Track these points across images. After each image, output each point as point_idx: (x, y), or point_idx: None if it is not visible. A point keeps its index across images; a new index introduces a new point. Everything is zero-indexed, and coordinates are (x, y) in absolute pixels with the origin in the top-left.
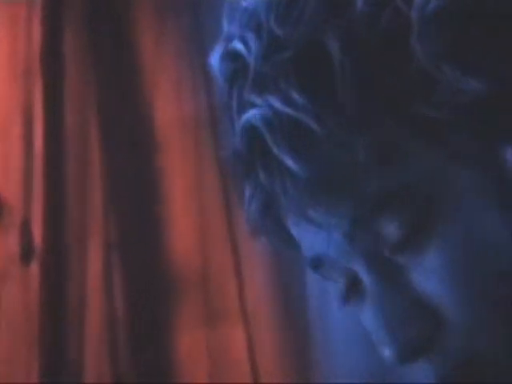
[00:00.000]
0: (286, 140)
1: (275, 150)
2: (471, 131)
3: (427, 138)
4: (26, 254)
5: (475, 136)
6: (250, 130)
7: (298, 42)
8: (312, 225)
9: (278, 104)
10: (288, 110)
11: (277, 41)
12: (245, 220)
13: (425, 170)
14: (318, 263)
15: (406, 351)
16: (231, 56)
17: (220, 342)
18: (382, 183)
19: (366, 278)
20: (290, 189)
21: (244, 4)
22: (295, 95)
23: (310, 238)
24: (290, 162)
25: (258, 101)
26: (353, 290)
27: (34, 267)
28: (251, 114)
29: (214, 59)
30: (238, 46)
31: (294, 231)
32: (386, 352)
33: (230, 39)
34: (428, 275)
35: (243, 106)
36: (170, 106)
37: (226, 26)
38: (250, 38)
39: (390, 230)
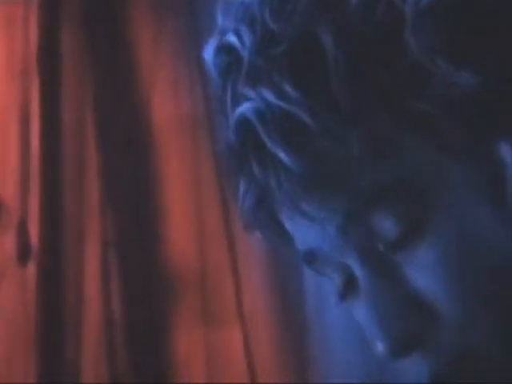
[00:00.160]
0: (279, 133)
1: (268, 144)
2: (465, 126)
3: (421, 131)
4: (23, 254)
5: (469, 130)
6: (244, 123)
7: (291, 36)
8: (305, 219)
9: (271, 97)
10: (281, 104)
11: (271, 34)
12: (239, 215)
13: (418, 165)
14: (311, 258)
15: (399, 346)
16: (225, 49)
17: (217, 342)
18: (375, 177)
19: (359, 273)
20: (284, 182)
21: None
22: (288, 88)
23: (304, 233)
24: (283, 156)
25: (252, 94)
26: (348, 286)
27: (31, 267)
28: (244, 107)
29: (208, 53)
30: (232, 39)
31: (288, 225)
32: (379, 347)
33: (224, 33)
34: (421, 270)
35: (237, 100)
36: (166, 105)
37: (220, 20)
38: (244, 31)
39: (384, 224)
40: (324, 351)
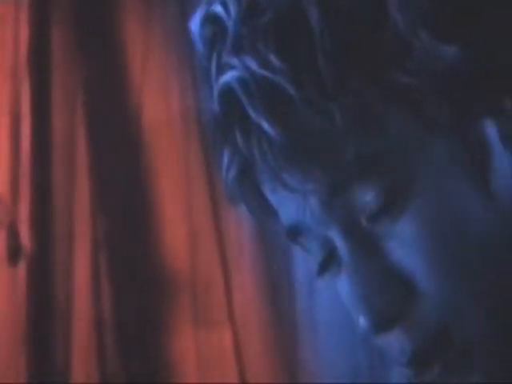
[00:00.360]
0: (263, 103)
1: (252, 113)
2: (449, 101)
3: (403, 105)
4: (14, 255)
5: (453, 106)
6: (228, 92)
7: (277, 7)
8: (288, 190)
9: (255, 66)
10: (265, 73)
11: (256, 5)
12: (223, 187)
13: (401, 138)
14: (295, 232)
15: (381, 320)
16: (211, 19)
17: (208, 342)
18: (358, 150)
19: (341, 246)
20: (267, 153)
21: None
22: (273, 58)
23: (288, 206)
24: (266, 126)
25: (236, 62)
26: (331, 260)
27: (22, 267)
28: (229, 76)
29: (194, 23)
30: (218, 9)
31: (272, 198)
32: (361, 321)
33: (210, 3)
34: (402, 245)
35: (221, 69)
36: (157, 106)
37: None
38: (230, 1)
39: (366, 197)
40: (314, 352)
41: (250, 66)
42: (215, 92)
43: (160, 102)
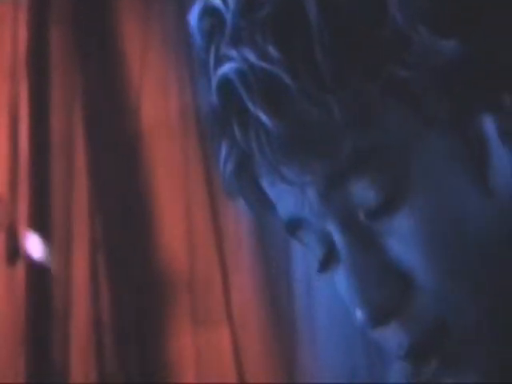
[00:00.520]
0: (261, 94)
1: (250, 105)
2: (448, 96)
3: (402, 99)
4: (12, 255)
5: (452, 102)
6: (226, 84)
7: (275, 0)
8: (286, 184)
9: (253, 58)
10: (263, 64)
11: None
12: (221, 181)
13: (400, 133)
14: (294, 226)
15: (378, 314)
16: (209, 12)
17: (206, 342)
18: (355, 143)
19: (339, 240)
20: (265, 146)
21: None
22: (271, 50)
23: (286, 199)
24: (263, 118)
25: (234, 54)
26: (330, 255)
27: (20, 268)
28: (227, 67)
29: (193, 16)
30: (216, 1)
31: (270, 192)
32: (358, 314)
33: None
34: (399, 239)
35: (220, 61)
36: (155, 106)
37: None
38: None
39: (363, 191)
40: (313, 352)
41: (249, 58)
42: (213, 84)
43: (158, 101)
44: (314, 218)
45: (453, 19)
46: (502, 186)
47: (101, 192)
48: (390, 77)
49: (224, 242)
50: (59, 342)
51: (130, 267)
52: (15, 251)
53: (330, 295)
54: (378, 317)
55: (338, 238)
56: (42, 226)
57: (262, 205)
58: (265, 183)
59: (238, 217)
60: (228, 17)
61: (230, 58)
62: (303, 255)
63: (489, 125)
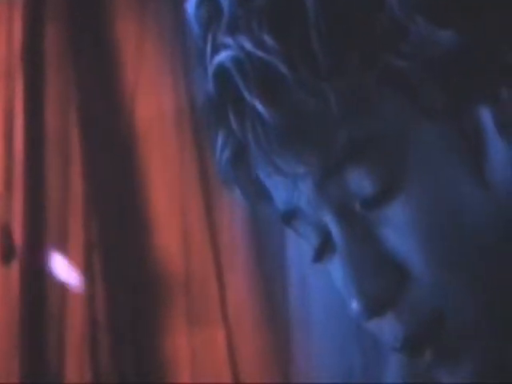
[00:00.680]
0: (257, 83)
1: (246, 94)
2: (445, 87)
3: (398, 89)
4: (7, 255)
5: (449, 92)
6: (222, 72)
7: None
8: (281, 175)
9: (249, 46)
10: (259, 53)
11: None
12: (216, 170)
13: (396, 123)
14: (289, 216)
15: (373, 305)
16: (206, 1)
17: (201, 342)
18: (351, 133)
19: (335, 231)
20: (261, 136)
21: None
22: (267, 38)
23: (282, 190)
24: (259, 107)
25: (231, 42)
26: (325, 245)
27: (15, 267)
28: (223, 55)
29: (190, 4)
30: None
31: (266, 182)
32: (354, 305)
33: None
34: (395, 230)
35: (216, 49)
36: (150, 104)
37: None
38: None
39: (359, 181)
40: (308, 351)
41: (245, 46)
42: (210, 72)
43: (153, 98)
44: (310, 209)
45: (450, 10)
46: (498, 178)
47: (96, 191)
48: (387, 66)
49: (219, 242)
50: (54, 342)
51: (125, 267)
52: (10, 251)
53: (326, 294)
54: (374, 308)
55: (333, 228)
56: (36, 226)
57: (257, 194)
58: (261, 173)
59: (233, 216)
60: (225, 5)
61: (226, 47)
62: (298, 254)
63: (486, 116)
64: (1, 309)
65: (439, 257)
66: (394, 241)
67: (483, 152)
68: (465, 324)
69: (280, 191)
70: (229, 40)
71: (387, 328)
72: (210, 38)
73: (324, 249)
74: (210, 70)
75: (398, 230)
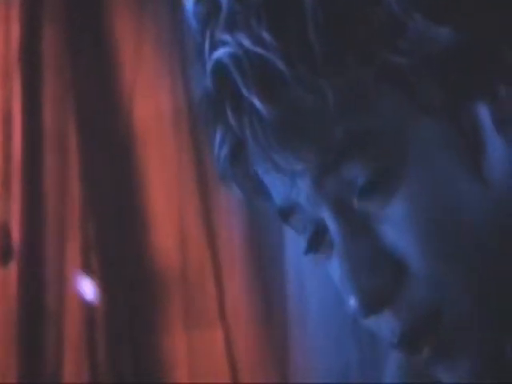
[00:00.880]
0: (255, 80)
1: (244, 90)
2: (443, 84)
3: (396, 86)
4: (5, 255)
5: (446, 89)
6: (220, 68)
7: None
8: (279, 171)
9: (247, 42)
10: (257, 49)
11: None
12: (215, 166)
13: (394, 119)
14: (287, 212)
15: (371, 301)
16: None
17: (199, 342)
18: (349, 129)
19: (332, 227)
20: (258, 132)
21: None
22: (265, 35)
23: (280, 186)
24: (257, 103)
25: (229, 39)
26: (323, 241)
27: (13, 268)
28: (221, 52)
29: (189, 1)
30: None
31: (265, 179)
32: (351, 301)
33: None
34: (393, 226)
35: (215, 46)
36: (148, 105)
37: None
38: None
39: (357, 177)
40: (305, 351)
41: (243, 43)
42: (208, 69)
43: (151, 99)
44: (308, 205)
45: (447, 6)
46: (497, 174)
47: (93, 191)
48: (385, 63)
49: (216, 242)
50: (52, 341)
51: (122, 267)
52: (8, 251)
53: (323, 293)
54: (372, 304)
55: (331, 224)
56: (34, 226)
57: (255, 191)
58: (259, 169)
59: (230, 216)
60: (223, 1)
61: (224, 43)
62: (296, 253)
63: (484, 113)
64: None
65: (437, 253)
66: (392, 237)
67: (481, 149)
68: (462, 319)
69: (278, 187)
70: (227, 37)
71: (385, 324)
72: (208, 34)
73: (315, 240)
74: (209, 66)
75: (396, 226)
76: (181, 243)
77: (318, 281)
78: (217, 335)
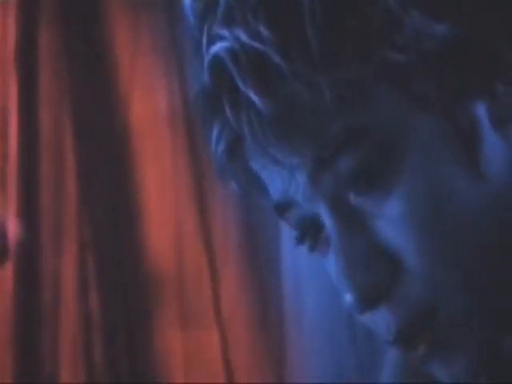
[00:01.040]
0: (252, 74)
1: (241, 85)
2: (440, 81)
3: (393, 82)
4: (1, 255)
5: (443, 86)
6: (217, 63)
7: None
8: (276, 166)
9: (244, 37)
10: (254, 44)
11: None
12: (212, 162)
13: (390, 115)
14: (284, 207)
15: (367, 298)
16: None
17: (195, 343)
18: (345, 125)
19: (328, 223)
20: (256, 127)
21: None
22: (262, 29)
23: (276, 181)
24: (254, 98)
25: (226, 34)
26: (319, 237)
27: (9, 267)
28: (218, 47)
29: None
30: None
31: (261, 174)
32: (347, 298)
33: None
34: (389, 222)
35: (212, 41)
36: (144, 105)
37: None
38: None
39: (353, 174)
40: (301, 352)
41: (240, 38)
42: (205, 63)
43: (147, 100)
44: (304, 201)
45: (445, 3)
46: (494, 172)
47: (89, 191)
48: (382, 59)
49: (212, 243)
50: (48, 342)
51: (118, 267)
52: (3, 251)
53: (319, 294)
54: (367, 300)
55: (327, 220)
56: (30, 226)
57: (252, 186)
58: (256, 164)
59: (226, 216)
60: None
61: (222, 38)
62: (293, 254)
63: (481, 111)
64: None
65: (433, 250)
66: (388, 233)
67: (478, 146)
68: (458, 316)
69: (276, 182)
70: (224, 31)
71: (381, 321)
72: (205, 29)
73: (311, 235)
74: (206, 61)
75: (392, 222)
76: (176, 244)
77: (314, 281)
78: (213, 336)
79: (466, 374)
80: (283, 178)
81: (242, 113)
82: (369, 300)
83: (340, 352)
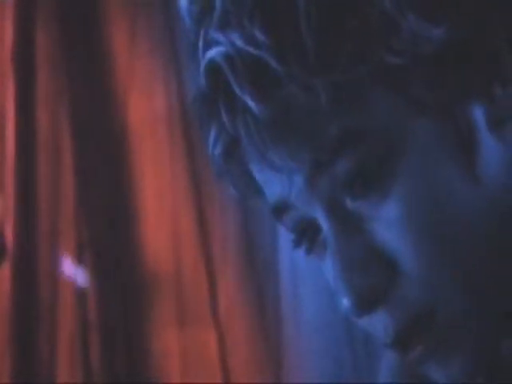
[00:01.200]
0: (248, 79)
1: (237, 89)
2: (437, 84)
3: (390, 85)
4: None
5: (439, 89)
6: (213, 68)
7: None
8: (273, 169)
9: (240, 42)
10: (250, 49)
11: None
12: (210, 164)
13: (387, 118)
14: (281, 210)
15: (364, 301)
16: None
17: (192, 342)
18: (342, 128)
19: (325, 226)
20: (252, 131)
21: None
22: (258, 33)
23: (273, 184)
24: (250, 102)
25: (222, 38)
26: (316, 240)
27: (6, 268)
28: (214, 51)
29: (183, 0)
30: None
31: (259, 177)
32: (344, 301)
33: None
34: (386, 225)
35: (208, 45)
36: (142, 107)
37: None
38: None
39: (350, 177)
40: (298, 352)
41: (236, 42)
42: (201, 68)
43: (145, 102)
44: (301, 204)
45: (441, 6)
46: (491, 174)
47: (87, 192)
48: (379, 63)
49: (210, 242)
50: (45, 342)
51: (116, 267)
52: (1, 251)
53: (317, 295)
54: (365, 304)
55: (324, 223)
56: (28, 226)
57: (250, 188)
58: (253, 167)
59: (224, 216)
60: (217, 0)
61: (217, 42)
62: (290, 255)
63: (478, 113)
64: None
65: (431, 252)
66: (385, 236)
67: (476, 148)
68: (456, 318)
69: (273, 185)
70: (220, 36)
71: (378, 324)
72: (202, 33)
73: (307, 238)
74: (202, 65)
75: (390, 225)
76: (174, 244)
77: (312, 281)
78: (210, 336)
79: (463, 376)
80: (280, 181)
81: (238, 117)
82: (366, 303)
83: (337, 352)
